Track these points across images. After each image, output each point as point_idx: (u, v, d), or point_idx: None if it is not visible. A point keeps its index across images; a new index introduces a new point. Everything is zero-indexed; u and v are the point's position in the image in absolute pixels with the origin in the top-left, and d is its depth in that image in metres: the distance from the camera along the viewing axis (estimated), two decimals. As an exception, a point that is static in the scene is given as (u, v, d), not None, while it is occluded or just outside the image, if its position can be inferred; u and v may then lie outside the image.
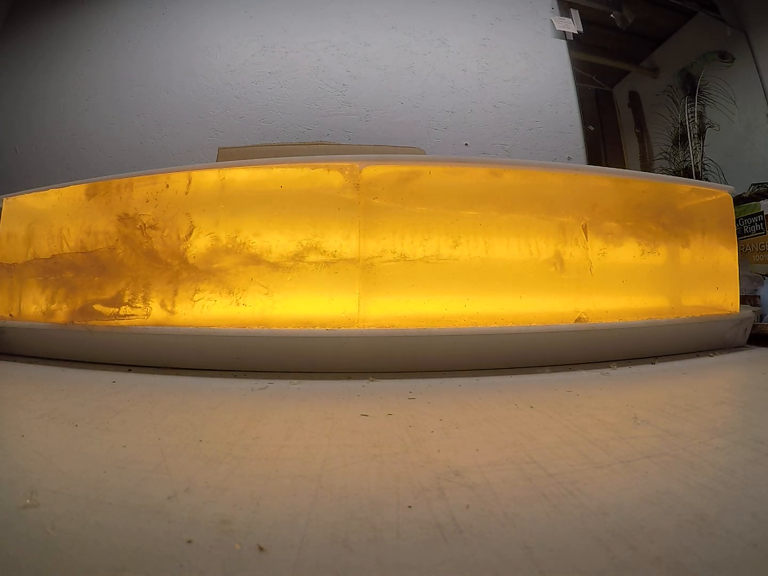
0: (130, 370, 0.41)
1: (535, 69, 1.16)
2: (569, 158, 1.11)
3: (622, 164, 1.29)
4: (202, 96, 1.09)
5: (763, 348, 0.53)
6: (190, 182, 0.43)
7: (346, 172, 0.41)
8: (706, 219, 0.52)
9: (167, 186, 0.44)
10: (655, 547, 0.14)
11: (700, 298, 0.51)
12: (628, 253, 0.47)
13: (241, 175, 0.43)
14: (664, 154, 1.26)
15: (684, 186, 0.52)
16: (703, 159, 1.18)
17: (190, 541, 0.14)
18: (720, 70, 1.23)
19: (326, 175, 0.42)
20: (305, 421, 0.26)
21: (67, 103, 1.13)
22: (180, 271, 0.42)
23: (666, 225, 0.49)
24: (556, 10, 1.21)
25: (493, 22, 1.18)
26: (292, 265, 0.41)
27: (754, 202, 0.82)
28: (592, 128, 1.16)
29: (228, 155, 0.93)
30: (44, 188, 0.49)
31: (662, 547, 0.13)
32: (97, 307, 0.43)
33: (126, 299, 0.42)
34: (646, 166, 1.30)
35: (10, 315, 0.48)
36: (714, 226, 0.52)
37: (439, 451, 0.22)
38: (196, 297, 0.41)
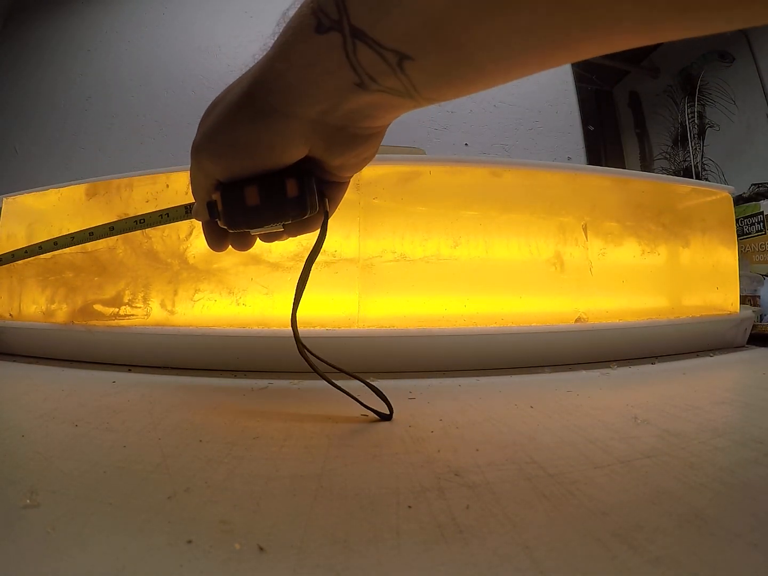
0: (130, 370, 0.41)
1: (535, 69, 1.16)
2: (569, 158, 1.11)
3: (622, 164, 1.30)
4: (202, 96, 1.09)
5: (763, 348, 0.53)
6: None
7: (346, 172, 0.41)
8: (706, 219, 0.52)
9: (167, 186, 0.44)
10: (655, 547, 0.14)
11: (700, 298, 0.51)
12: (628, 253, 0.47)
13: (241, 175, 0.43)
14: (664, 154, 1.26)
15: (684, 186, 0.52)
16: (703, 159, 1.18)
17: (190, 541, 0.14)
18: (720, 70, 1.23)
19: (326, 175, 0.42)
20: (305, 421, 0.26)
21: (67, 103, 1.13)
22: (180, 271, 0.42)
23: (666, 225, 0.49)
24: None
25: (493, 22, 1.18)
26: (292, 265, 0.41)
27: (754, 202, 0.82)
28: (592, 128, 1.16)
29: (228, 155, 0.93)
30: (44, 188, 0.49)
31: (662, 547, 0.14)
32: (97, 307, 0.43)
33: (126, 299, 0.42)
34: (646, 166, 1.30)
35: (10, 315, 0.48)
36: (714, 226, 0.52)
37: (439, 451, 0.22)
38: (196, 297, 0.41)
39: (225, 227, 0.24)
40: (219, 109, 0.21)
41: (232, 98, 0.20)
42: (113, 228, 0.35)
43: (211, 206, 0.24)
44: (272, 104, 0.19)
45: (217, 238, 0.27)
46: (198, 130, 0.22)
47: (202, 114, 0.23)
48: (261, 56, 0.20)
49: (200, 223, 0.27)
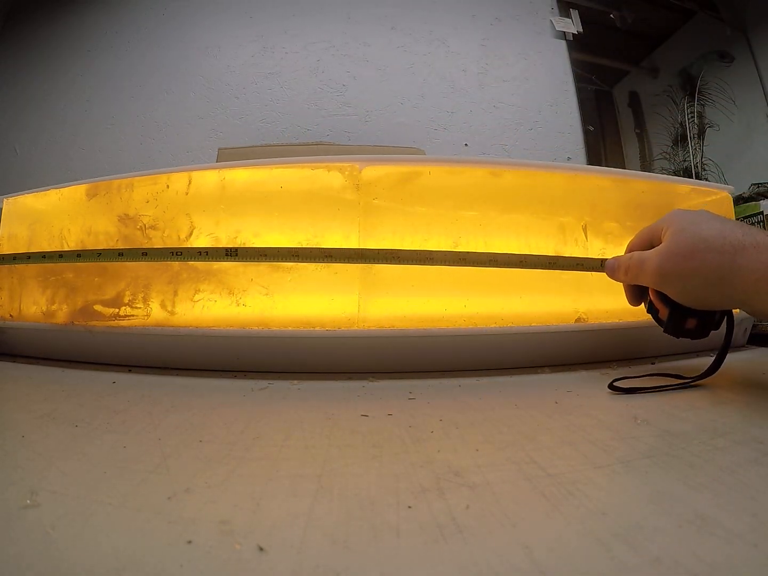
0: (130, 370, 0.41)
1: (535, 69, 1.16)
2: (569, 158, 1.11)
3: (622, 164, 1.29)
4: (202, 96, 1.09)
5: (763, 348, 0.53)
6: (190, 183, 0.43)
7: (346, 173, 0.41)
8: (706, 219, 0.52)
9: (167, 186, 0.44)
10: (655, 547, 0.14)
11: (700, 298, 0.51)
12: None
13: (241, 175, 0.43)
14: (664, 154, 1.26)
15: (684, 186, 0.52)
16: (703, 159, 1.18)
17: (190, 541, 0.14)
18: (720, 70, 1.23)
19: (326, 176, 0.42)
20: (305, 421, 0.26)
21: (67, 103, 1.13)
22: (180, 271, 0.42)
23: (666, 225, 0.49)
24: (556, 10, 1.21)
25: (492, 23, 1.18)
26: (292, 266, 0.41)
27: (754, 202, 0.82)
28: (592, 128, 1.16)
29: (228, 156, 0.93)
30: (45, 188, 0.49)
31: (662, 547, 0.14)
32: (98, 307, 0.43)
33: (126, 300, 0.42)
34: (646, 166, 1.30)
35: (11, 315, 0.48)
36: (714, 226, 0.52)
37: (439, 451, 0.22)
38: (196, 297, 0.41)
39: (658, 324, 0.35)
40: (696, 277, 0.30)
41: (709, 275, 0.29)
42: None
43: (651, 304, 0.35)
44: (732, 295, 0.29)
45: (636, 300, 0.38)
46: (670, 259, 0.31)
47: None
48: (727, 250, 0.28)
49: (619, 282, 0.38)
